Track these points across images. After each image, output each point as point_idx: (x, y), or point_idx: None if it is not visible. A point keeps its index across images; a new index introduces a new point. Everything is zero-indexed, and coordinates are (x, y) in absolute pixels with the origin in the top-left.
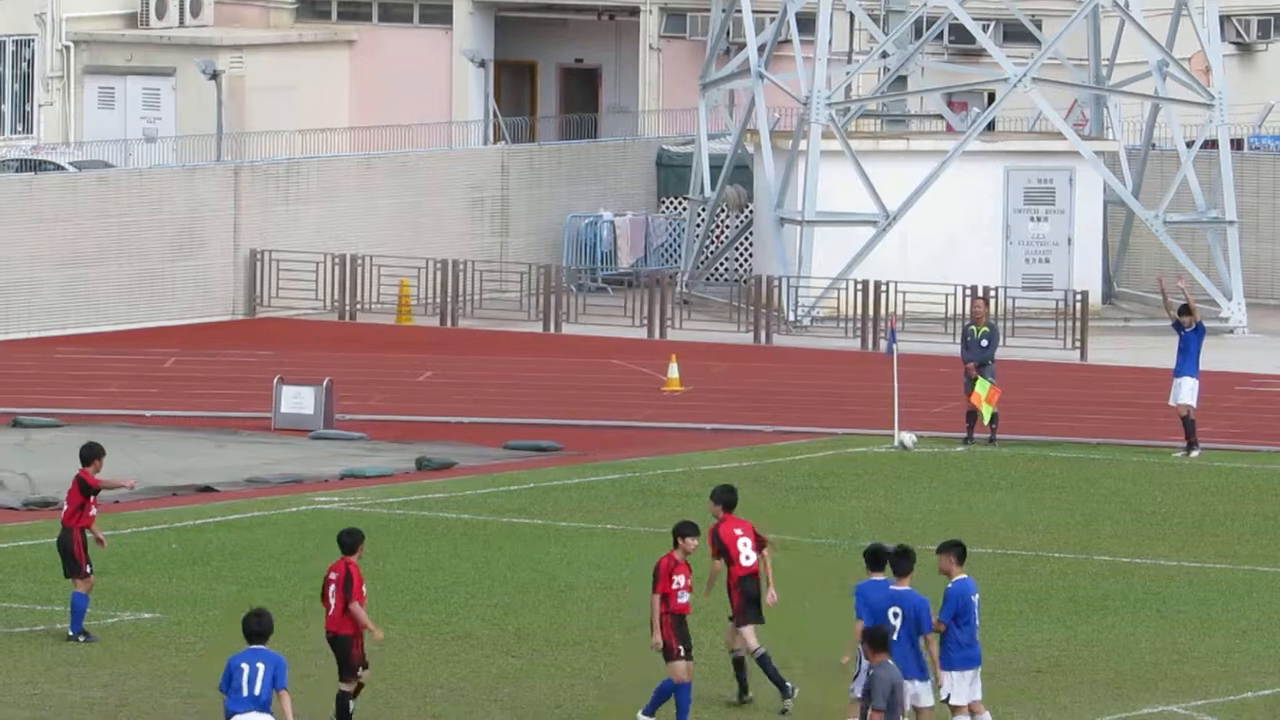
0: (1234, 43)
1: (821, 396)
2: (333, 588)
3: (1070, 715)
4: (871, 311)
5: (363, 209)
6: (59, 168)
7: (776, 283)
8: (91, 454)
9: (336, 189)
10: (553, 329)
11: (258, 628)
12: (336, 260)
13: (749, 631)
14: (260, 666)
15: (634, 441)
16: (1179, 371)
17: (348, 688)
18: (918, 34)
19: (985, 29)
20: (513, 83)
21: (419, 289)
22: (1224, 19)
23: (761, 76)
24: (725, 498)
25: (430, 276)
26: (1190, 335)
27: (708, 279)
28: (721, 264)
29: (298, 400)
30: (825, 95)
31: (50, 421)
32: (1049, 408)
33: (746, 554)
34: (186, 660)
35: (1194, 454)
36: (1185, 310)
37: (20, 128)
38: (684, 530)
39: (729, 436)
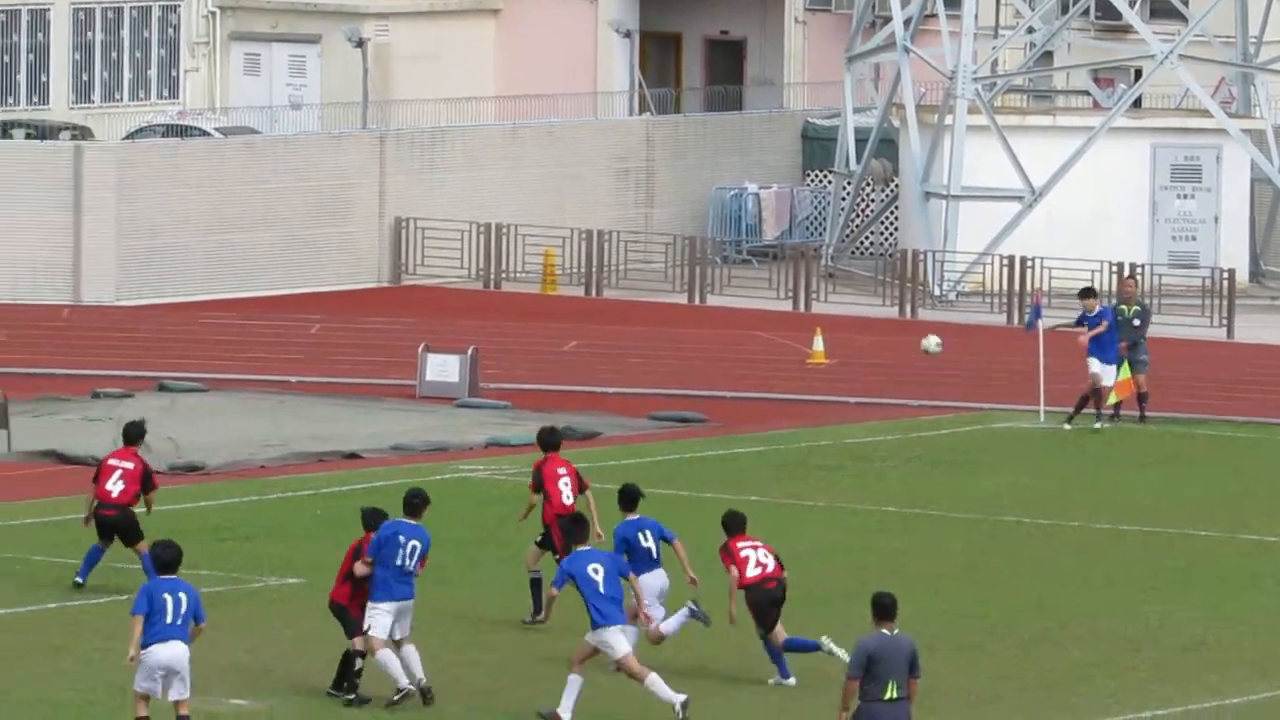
0: None
1: (966, 371)
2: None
3: (1217, 693)
4: (1017, 287)
5: (508, 178)
6: (205, 133)
7: (922, 257)
8: (142, 432)
9: (481, 158)
10: (697, 300)
11: (169, 558)
12: (482, 229)
13: None
14: (183, 597)
15: (778, 414)
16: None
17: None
18: (1064, 9)
19: (1132, 5)
20: (658, 54)
21: (564, 259)
22: None
23: (907, 50)
24: (545, 439)
25: (575, 246)
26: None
27: (853, 252)
28: (867, 237)
29: (443, 368)
30: (971, 70)
31: (196, 386)
32: (1196, 386)
33: (567, 495)
34: (332, 626)
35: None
36: (1090, 293)
37: (166, 93)
38: None
39: (873, 410)
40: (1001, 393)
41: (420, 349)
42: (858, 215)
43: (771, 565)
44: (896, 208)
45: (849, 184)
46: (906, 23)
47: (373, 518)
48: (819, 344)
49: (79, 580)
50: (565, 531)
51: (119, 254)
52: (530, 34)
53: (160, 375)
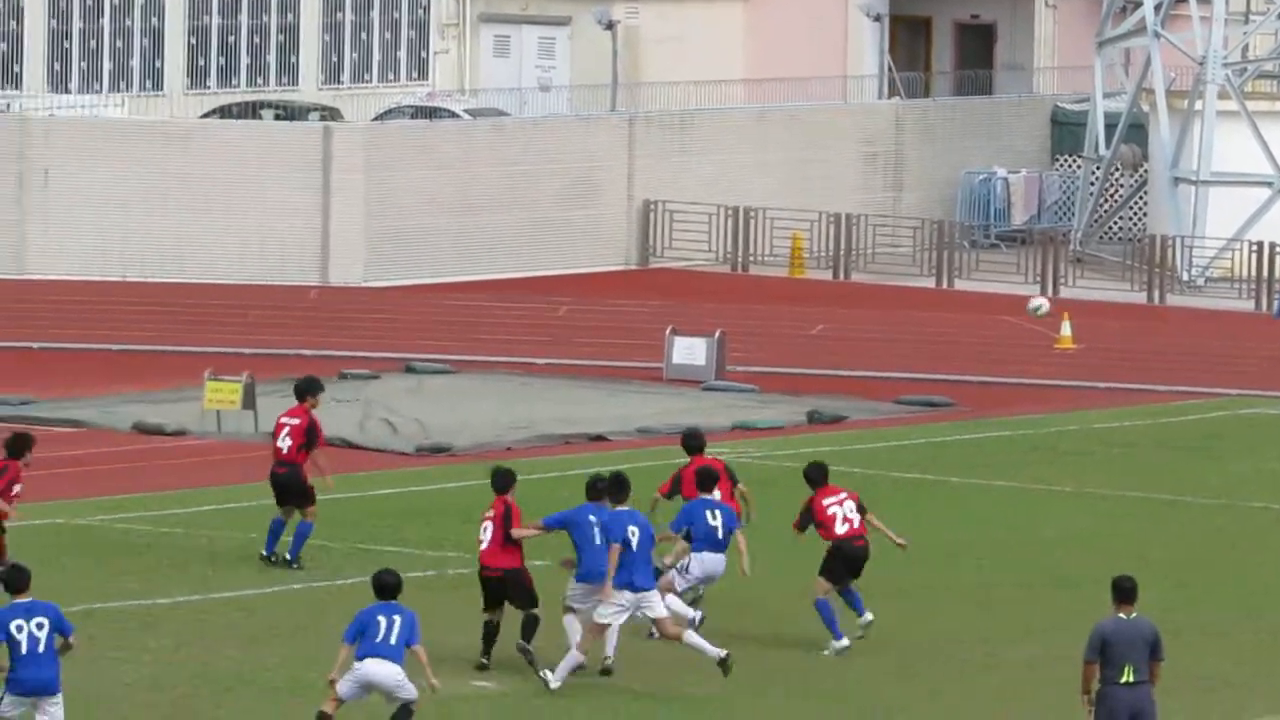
0: None
1: (1215, 357)
2: (488, 525)
3: None
4: (1265, 273)
5: (755, 161)
6: (453, 115)
7: (1170, 242)
8: (309, 389)
9: (730, 141)
10: (945, 284)
11: (392, 582)
12: (729, 212)
13: None
14: (397, 619)
15: (1026, 398)
16: None
17: (538, 611)
18: None
19: None
20: (907, 38)
21: (812, 242)
22: None
23: (1157, 36)
24: (688, 442)
25: (823, 230)
26: None
27: (1101, 237)
28: (1115, 223)
29: (689, 351)
30: (1222, 55)
31: (443, 368)
32: None
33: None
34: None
35: None
36: None
37: (415, 74)
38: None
39: (1121, 395)
40: (1250, 379)
41: (667, 331)
42: (1106, 200)
43: (857, 520)
44: (1145, 193)
45: (1098, 169)
46: (1157, 8)
47: (502, 479)
48: (1066, 329)
49: (264, 554)
50: (607, 491)
51: (367, 235)
52: (779, 17)
53: (407, 357)
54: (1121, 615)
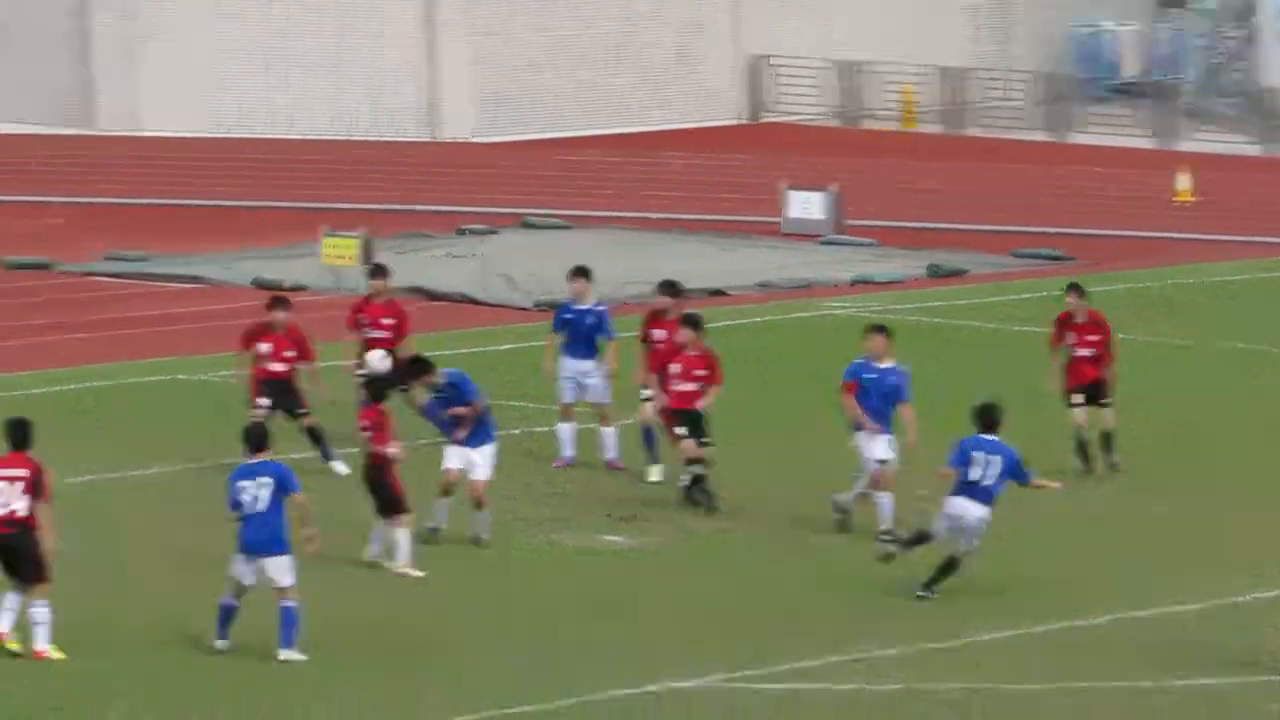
0: None
1: None
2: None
3: None
4: None
5: (865, 15)
6: None
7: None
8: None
9: None
10: (1058, 138)
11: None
12: (840, 66)
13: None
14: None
15: (1143, 251)
16: None
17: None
18: None
19: None
20: None
21: (923, 96)
22: None
23: None
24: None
25: (934, 84)
26: None
27: (1214, 90)
28: (1228, 74)
29: (806, 205)
30: None
31: (559, 223)
32: None
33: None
34: (738, 468)
35: None
36: None
37: None
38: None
39: (1238, 248)
40: None
41: (783, 186)
42: (1220, 53)
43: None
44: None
45: (1208, 22)
46: None
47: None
48: (1183, 182)
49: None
50: None
51: (477, 91)
52: None
53: (525, 211)
54: None
